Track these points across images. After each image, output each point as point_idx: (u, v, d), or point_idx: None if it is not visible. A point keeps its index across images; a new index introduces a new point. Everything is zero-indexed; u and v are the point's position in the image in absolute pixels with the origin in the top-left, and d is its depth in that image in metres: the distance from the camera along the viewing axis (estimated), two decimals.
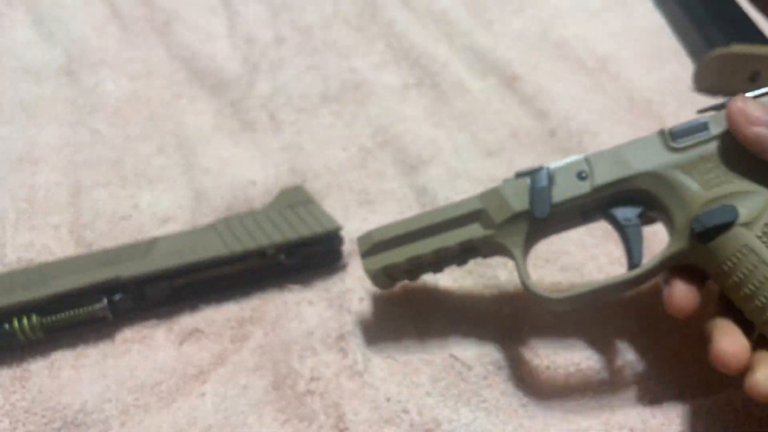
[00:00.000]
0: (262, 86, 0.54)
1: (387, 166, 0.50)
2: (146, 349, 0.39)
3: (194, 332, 0.40)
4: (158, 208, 0.46)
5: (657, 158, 0.34)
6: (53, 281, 0.38)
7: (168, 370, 0.38)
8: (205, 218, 0.46)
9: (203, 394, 0.38)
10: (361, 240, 0.39)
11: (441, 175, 0.48)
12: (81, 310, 0.39)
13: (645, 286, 0.38)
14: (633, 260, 0.34)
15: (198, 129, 0.51)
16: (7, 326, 0.37)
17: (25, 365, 0.38)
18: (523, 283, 0.36)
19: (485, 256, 0.38)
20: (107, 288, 0.39)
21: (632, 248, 0.34)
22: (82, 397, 0.37)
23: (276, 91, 0.54)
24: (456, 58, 0.58)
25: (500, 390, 0.38)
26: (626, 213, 0.35)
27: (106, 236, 0.44)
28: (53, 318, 0.38)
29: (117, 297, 0.39)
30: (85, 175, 0.47)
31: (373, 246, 0.38)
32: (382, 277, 0.39)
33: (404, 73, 0.57)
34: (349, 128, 0.52)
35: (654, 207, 0.35)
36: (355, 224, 0.46)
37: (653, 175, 0.34)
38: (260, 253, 0.42)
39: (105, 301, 0.39)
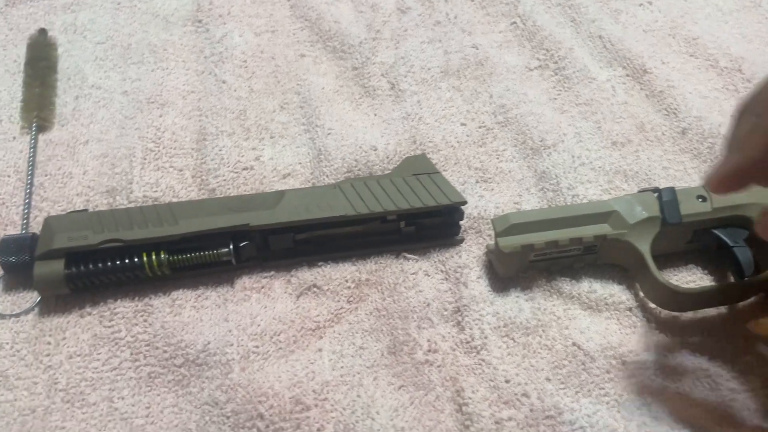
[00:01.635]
0: (384, 54, 0.54)
1: (507, 146, 0.49)
2: (265, 299, 0.40)
3: (312, 288, 0.40)
4: (279, 163, 0.46)
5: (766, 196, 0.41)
6: (184, 221, 0.39)
7: (287, 321, 0.38)
8: (326, 178, 0.45)
9: (320, 350, 0.38)
10: (497, 221, 0.40)
11: (565, 161, 0.47)
12: (208, 252, 0.39)
13: None
14: (744, 273, 0.39)
15: (321, 90, 0.51)
16: (136, 259, 0.38)
17: (147, 300, 0.39)
18: (653, 275, 0.38)
19: (599, 261, 0.42)
20: (235, 234, 0.39)
21: (742, 263, 0.39)
22: (204, 338, 0.37)
23: (398, 60, 0.53)
24: (581, 45, 0.56)
25: (623, 386, 0.37)
26: (734, 235, 0.40)
27: (229, 184, 0.44)
28: (181, 257, 0.39)
29: (242, 244, 0.39)
30: (210, 122, 0.48)
31: (509, 227, 0.39)
32: (514, 259, 0.39)
33: (527, 54, 0.55)
34: (469, 104, 0.51)
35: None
36: (472, 201, 0.45)
37: (763, 208, 0.40)
38: (381, 218, 0.41)
39: (231, 246, 0.39)
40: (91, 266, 0.37)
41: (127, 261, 0.38)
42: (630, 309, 0.40)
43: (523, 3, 0.58)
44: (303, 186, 0.45)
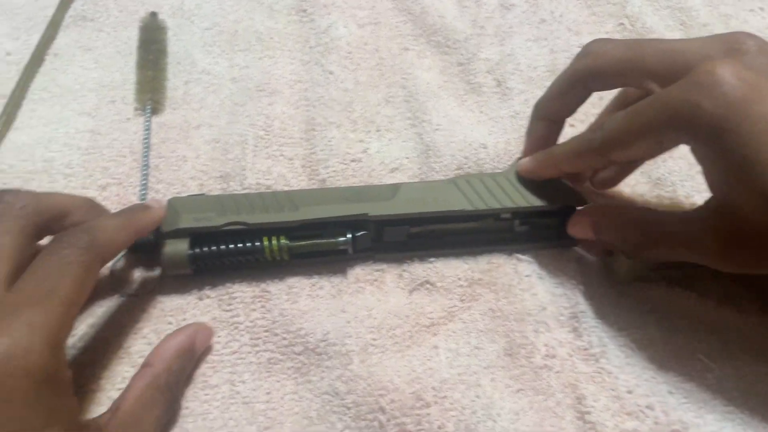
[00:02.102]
0: (489, 51, 0.53)
1: None
2: (378, 291, 0.39)
3: (425, 284, 0.40)
4: (386, 156, 0.46)
5: None
6: (304, 208, 0.39)
7: (402, 316, 0.38)
8: (434, 173, 0.45)
9: (436, 347, 0.37)
10: None
11: (681, 168, 0.45)
12: (326, 240, 0.39)
13: None
14: None
15: (426, 84, 0.50)
16: (257, 243, 0.38)
17: (263, 286, 0.39)
18: None
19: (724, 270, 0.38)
20: (353, 224, 0.39)
21: None
22: (323, 327, 0.37)
23: (504, 57, 0.52)
24: None
25: (750, 406, 0.35)
26: None
27: (339, 175, 0.44)
28: (301, 243, 0.39)
29: (359, 234, 0.39)
30: (318, 113, 0.48)
31: None
32: (634, 266, 0.38)
33: None
34: None
35: None
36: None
37: None
38: (495, 216, 0.41)
39: (349, 235, 0.39)
40: (213, 247, 0.38)
41: (248, 244, 0.38)
42: (758, 325, 0.38)
43: (632, 3, 0.57)
44: (411, 180, 0.45)
